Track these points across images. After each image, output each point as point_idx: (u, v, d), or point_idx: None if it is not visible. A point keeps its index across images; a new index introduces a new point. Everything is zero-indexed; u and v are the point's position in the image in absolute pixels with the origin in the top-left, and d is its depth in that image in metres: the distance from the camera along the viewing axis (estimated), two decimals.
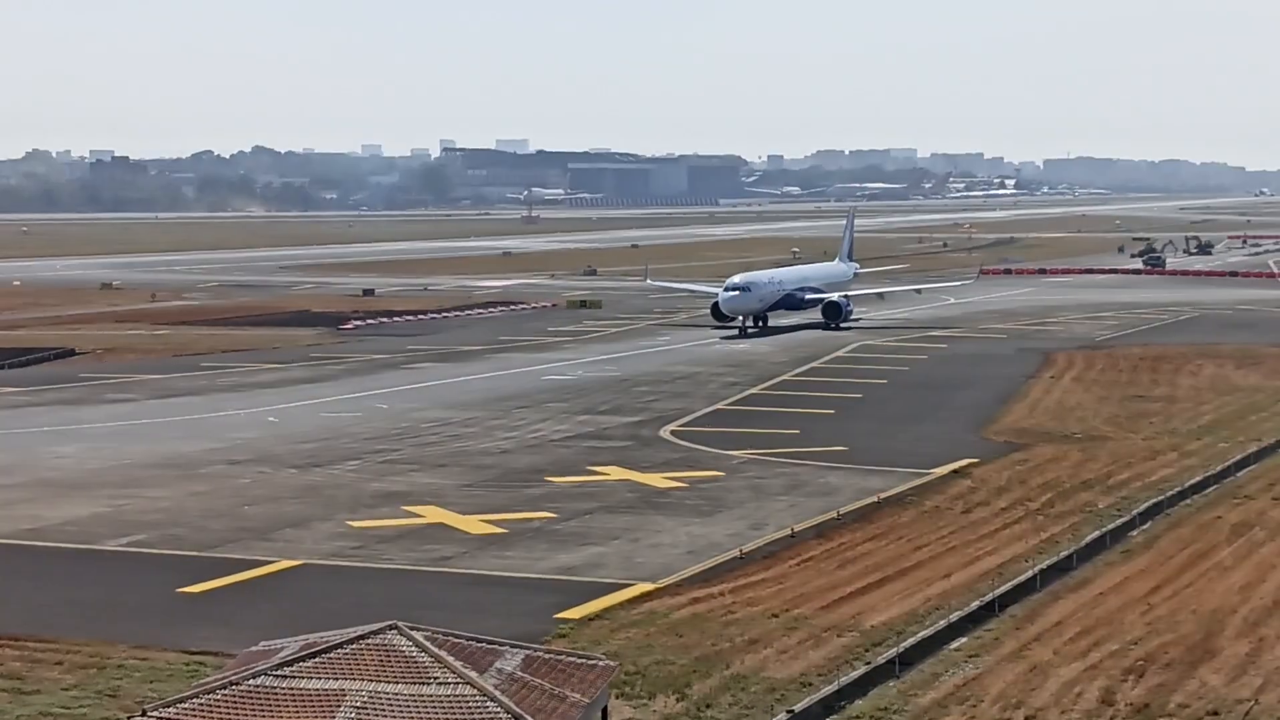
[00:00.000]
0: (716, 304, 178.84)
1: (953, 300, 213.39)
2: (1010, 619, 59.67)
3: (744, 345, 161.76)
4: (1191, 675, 52.50)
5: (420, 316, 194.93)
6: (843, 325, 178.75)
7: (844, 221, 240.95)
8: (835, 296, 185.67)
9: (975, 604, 60.54)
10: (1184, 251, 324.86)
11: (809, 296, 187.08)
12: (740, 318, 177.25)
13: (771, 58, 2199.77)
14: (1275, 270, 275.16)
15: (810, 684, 51.47)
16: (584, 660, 38.49)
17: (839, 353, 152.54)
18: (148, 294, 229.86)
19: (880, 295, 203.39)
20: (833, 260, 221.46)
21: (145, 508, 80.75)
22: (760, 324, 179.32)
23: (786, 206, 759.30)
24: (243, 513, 79.51)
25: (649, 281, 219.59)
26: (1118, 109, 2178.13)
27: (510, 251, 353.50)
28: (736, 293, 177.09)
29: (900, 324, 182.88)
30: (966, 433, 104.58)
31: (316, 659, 35.41)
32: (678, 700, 50.10)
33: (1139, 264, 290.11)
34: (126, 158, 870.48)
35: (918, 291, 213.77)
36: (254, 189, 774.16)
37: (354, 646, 35.78)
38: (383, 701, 34.07)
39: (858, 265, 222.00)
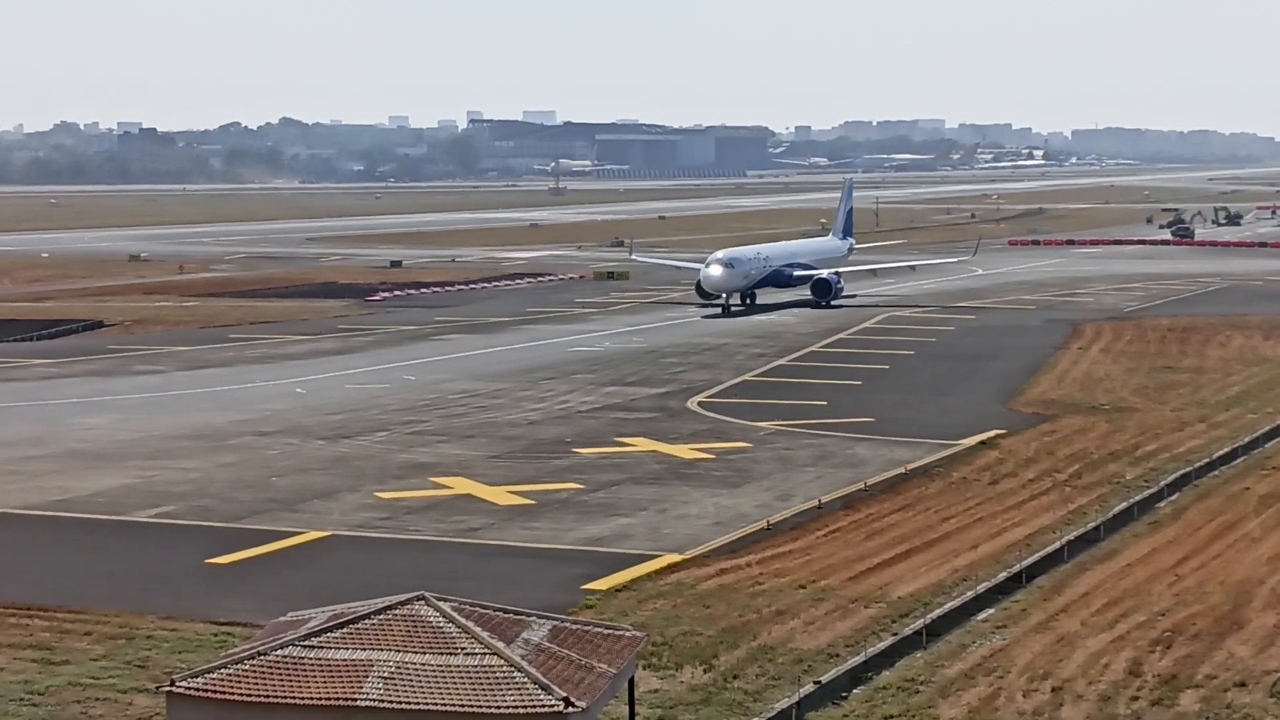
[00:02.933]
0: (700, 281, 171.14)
1: (980, 271, 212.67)
2: (1038, 590, 59.61)
3: (772, 317, 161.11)
4: (1219, 646, 52.43)
5: (448, 288, 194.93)
6: (834, 304, 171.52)
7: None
8: (825, 273, 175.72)
9: (1003, 575, 60.52)
10: (1213, 222, 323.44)
11: (797, 273, 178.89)
12: (724, 295, 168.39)
13: (799, 28, 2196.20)
14: None
15: (837, 655, 51.49)
16: (611, 631, 38.51)
17: (866, 324, 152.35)
18: (176, 266, 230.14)
19: (874, 272, 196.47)
20: (830, 234, 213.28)
21: (174, 479, 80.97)
22: (747, 302, 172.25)
23: (814, 178, 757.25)
24: (271, 484, 79.70)
25: (632, 256, 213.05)
26: (1146, 79, 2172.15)
27: (538, 223, 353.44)
28: (719, 269, 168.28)
29: (893, 300, 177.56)
30: (994, 404, 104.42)
31: (344, 629, 35.49)
32: (705, 671, 50.16)
33: (1167, 235, 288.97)
34: (154, 130, 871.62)
35: (912, 268, 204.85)
36: (281, 160, 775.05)
37: (382, 617, 35.85)
38: (410, 671, 34.14)
39: (854, 240, 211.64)
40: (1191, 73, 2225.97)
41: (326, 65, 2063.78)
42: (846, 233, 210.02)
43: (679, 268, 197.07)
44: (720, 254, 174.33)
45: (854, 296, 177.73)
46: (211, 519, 72.19)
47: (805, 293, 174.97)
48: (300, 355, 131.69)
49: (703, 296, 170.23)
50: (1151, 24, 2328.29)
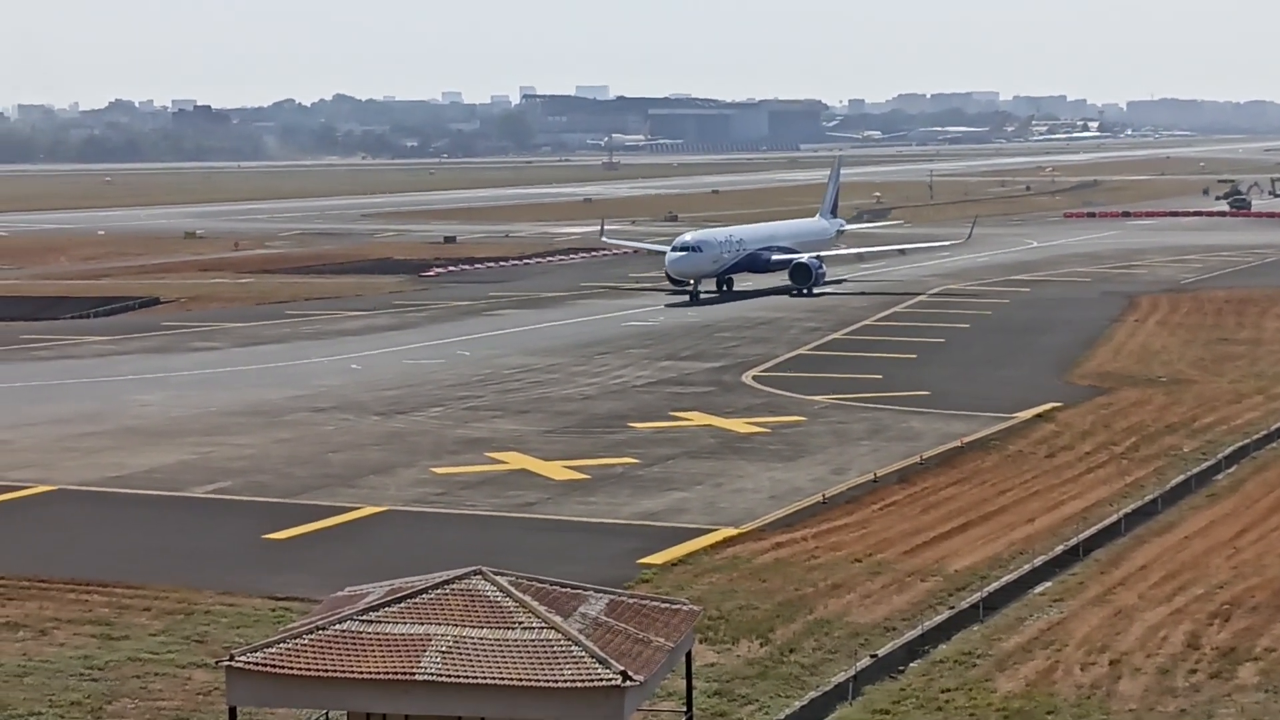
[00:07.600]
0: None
1: (1035, 244, 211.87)
2: (1095, 563, 59.43)
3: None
4: (1278, 619, 52.16)
5: (502, 263, 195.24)
6: (815, 290, 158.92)
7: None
8: (805, 258, 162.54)
9: (1059, 548, 60.34)
10: (1269, 193, 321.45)
11: (775, 257, 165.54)
12: (692, 282, 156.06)
13: (852, 1, 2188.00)
14: None
15: (894, 628, 51.44)
16: (668, 605, 38.45)
17: (921, 297, 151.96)
18: (231, 242, 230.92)
19: (860, 256, 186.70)
20: (817, 215, 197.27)
21: (230, 455, 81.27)
22: (723, 288, 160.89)
23: (868, 151, 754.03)
24: (327, 459, 79.93)
25: (603, 239, 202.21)
26: (1202, 50, 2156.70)
27: (591, 198, 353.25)
28: (685, 253, 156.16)
29: (878, 286, 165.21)
30: (1050, 376, 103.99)
31: (402, 604, 35.52)
32: (761, 645, 50.16)
33: (1224, 206, 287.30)
34: (209, 107, 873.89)
35: (901, 252, 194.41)
36: (335, 137, 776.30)
37: (439, 592, 35.86)
38: (468, 646, 34.15)
39: (843, 222, 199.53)
40: (1248, 43, 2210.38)
41: (380, 42, 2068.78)
42: (834, 213, 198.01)
43: (651, 251, 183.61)
44: (687, 236, 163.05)
45: (841, 282, 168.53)
46: (268, 495, 72.49)
47: (786, 278, 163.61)
48: (355, 331, 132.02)
49: (673, 283, 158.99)
50: None
